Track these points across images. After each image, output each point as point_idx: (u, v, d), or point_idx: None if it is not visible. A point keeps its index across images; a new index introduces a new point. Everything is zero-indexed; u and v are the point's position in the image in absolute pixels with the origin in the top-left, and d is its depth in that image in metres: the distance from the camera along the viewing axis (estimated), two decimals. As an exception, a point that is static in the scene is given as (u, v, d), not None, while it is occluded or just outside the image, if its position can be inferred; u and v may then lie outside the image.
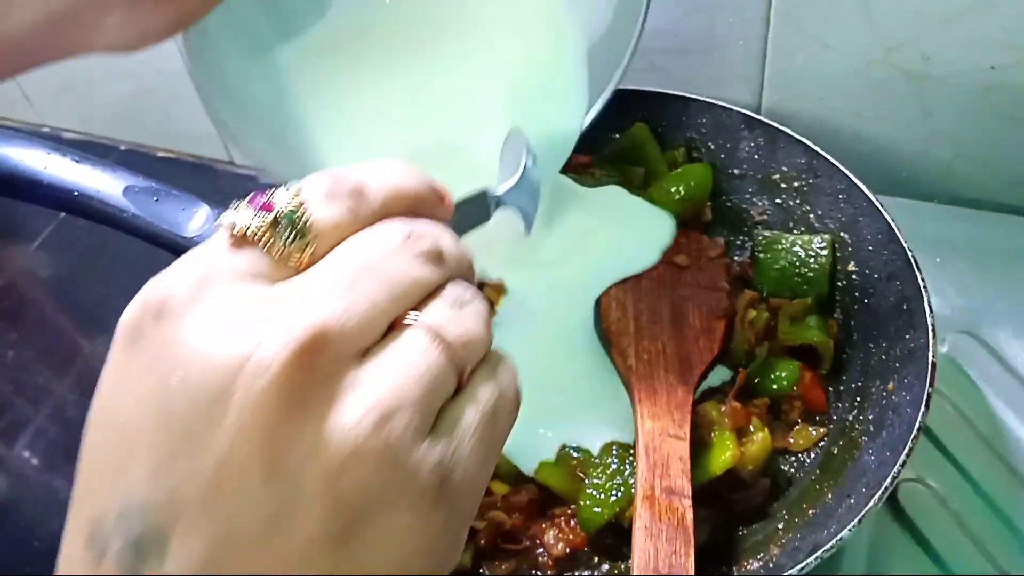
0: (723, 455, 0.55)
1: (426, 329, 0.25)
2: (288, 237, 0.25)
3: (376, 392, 0.23)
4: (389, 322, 0.25)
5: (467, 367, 0.26)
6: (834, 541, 0.47)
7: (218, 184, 1.13)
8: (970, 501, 0.59)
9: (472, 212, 0.36)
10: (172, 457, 0.22)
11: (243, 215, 0.26)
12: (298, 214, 0.25)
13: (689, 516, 0.48)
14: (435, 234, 0.27)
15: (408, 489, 0.23)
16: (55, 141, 0.66)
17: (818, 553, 0.46)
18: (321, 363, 0.23)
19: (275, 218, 0.25)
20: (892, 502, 0.59)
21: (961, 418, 0.62)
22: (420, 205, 0.28)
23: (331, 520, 0.22)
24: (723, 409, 0.57)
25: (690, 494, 0.49)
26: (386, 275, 0.25)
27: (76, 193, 0.60)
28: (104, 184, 0.61)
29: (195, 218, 0.62)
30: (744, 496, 0.56)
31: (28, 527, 0.72)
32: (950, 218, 0.75)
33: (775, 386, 0.59)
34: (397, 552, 0.23)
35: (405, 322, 0.25)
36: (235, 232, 0.26)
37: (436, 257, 0.27)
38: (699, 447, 0.55)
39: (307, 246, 0.25)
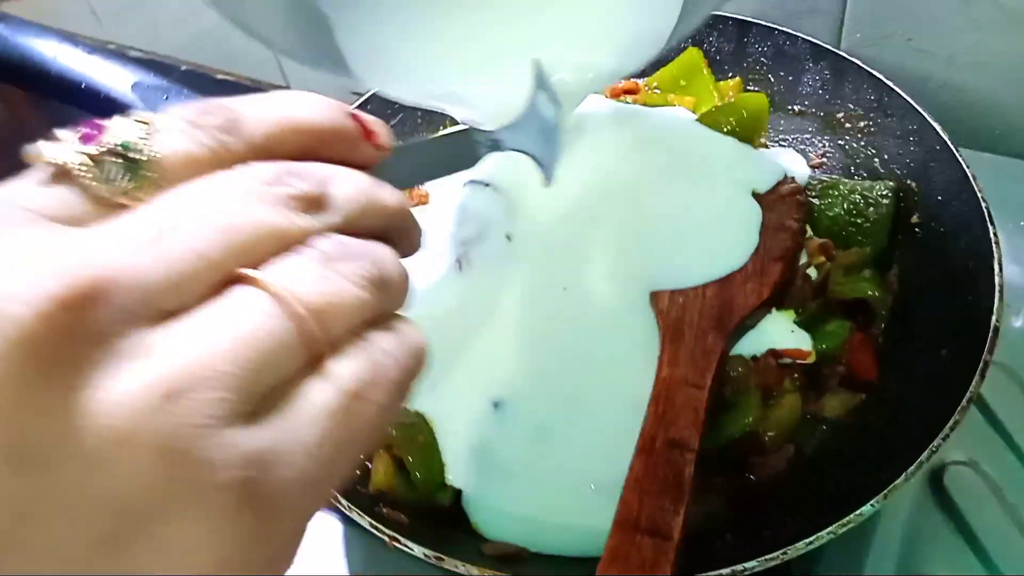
0: (744, 416, 0.49)
1: (269, 287, 0.20)
2: (117, 173, 0.20)
3: (170, 361, 0.18)
4: (221, 277, 0.20)
5: (330, 341, 0.21)
6: (852, 516, 0.40)
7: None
8: (1026, 490, 0.51)
9: (447, 154, 0.30)
10: None
11: (65, 145, 0.20)
12: (136, 146, 0.20)
13: (689, 471, 0.43)
14: (319, 175, 0.22)
15: (204, 488, 0.18)
16: (97, 48, 0.63)
17: (831, 527, 0.40)
18: (94, 321, 0.18)
19: (106, 150, 0.20)
20: (937, 486, 0.52)
21: None
22: (331, 143, 0.23)
23: (95, 522, 0.18)
24: (754, 365, 0.51)
25: (696, 447, 0.44)
26: (226, 220, 0.20)
27: (83, 85, 0.58)
28: (112, 78, 0.58)
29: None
30: (764, 462, 0.50)
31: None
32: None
33: (822, 345, 0.52)
34: (188, 563, 0.18)
35: (242, 276, 0.20)
36: (53, 165, 0.20)
37: (312, 202, 0.21)
38: (721, 404, 0.49)
39: (141, 185, 0.20)
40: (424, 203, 0.62)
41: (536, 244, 0.57)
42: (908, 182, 0.56)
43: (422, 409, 0.51)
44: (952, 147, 0.53)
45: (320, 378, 0.20)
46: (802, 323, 0.53)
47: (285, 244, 0.21)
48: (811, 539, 0.40)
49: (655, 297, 0.53)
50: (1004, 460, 0.52)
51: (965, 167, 0.52)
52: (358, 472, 0.50)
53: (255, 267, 0.20)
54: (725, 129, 0.59)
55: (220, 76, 1.14)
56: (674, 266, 0.54)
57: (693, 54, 0.63)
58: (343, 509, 0.44)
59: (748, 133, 0.60)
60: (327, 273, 0.21)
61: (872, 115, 0.59)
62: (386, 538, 0.43)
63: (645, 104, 0.63)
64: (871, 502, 0.41)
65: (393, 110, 0.65)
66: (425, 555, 0.42)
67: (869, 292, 0.53)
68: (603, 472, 0.46)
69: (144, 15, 1.16)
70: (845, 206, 0.57)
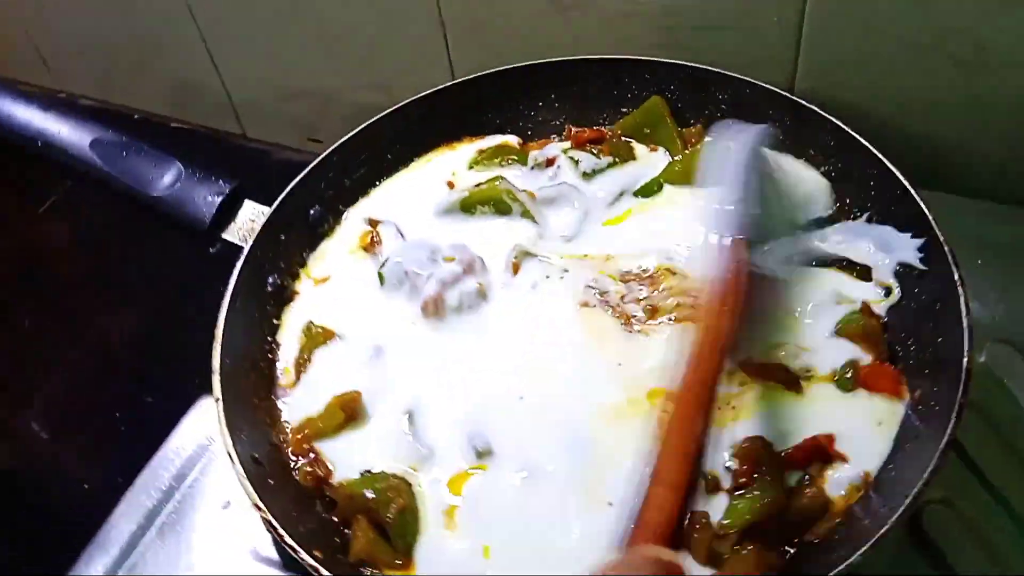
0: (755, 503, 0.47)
1: None
2: None
3: None
4: None
5: None
6: (843, 566, 0.40)
7: (230, 156, 1.10)
8: (1003, 527, 0.51)
9: None
10: None
11: None
12: None
13: None
14: None
15: None
16: (56, 101, 0.61)
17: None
18: None
19: None
20: (915, 526, 0.52)
21: (995, 434, 0.55)
22: None
23: None
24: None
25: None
26: None
27: (39, 143, 0.56)
28: (70, 135, 0.57)
29: (166, 176, 0.58)
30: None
31: (35, 494, 0.70)
32: (997, 217, 0.68)
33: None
34: None
35: None
36: None
37: None
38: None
39: None
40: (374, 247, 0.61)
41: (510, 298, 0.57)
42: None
43: (401, 468, 0.51)
44: (911, 190, 0.54)
45: None
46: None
47: None
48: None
49: None
50: (978, 496, 0.53)
51: (925, 210, 0.53)
52: (336, 540, 0.49)
53: None
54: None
55: (175, 124, 1.13)
56: None
57: (656, 103, 0.64)
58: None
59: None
60: None
61: (832, 159, 0.60)
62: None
63: (613, 153, 0.64)
64: (859, 552, 0.41)
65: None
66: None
67: (863, 324, 0.53)
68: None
69: (95, 63, 1.14)
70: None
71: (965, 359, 0.46)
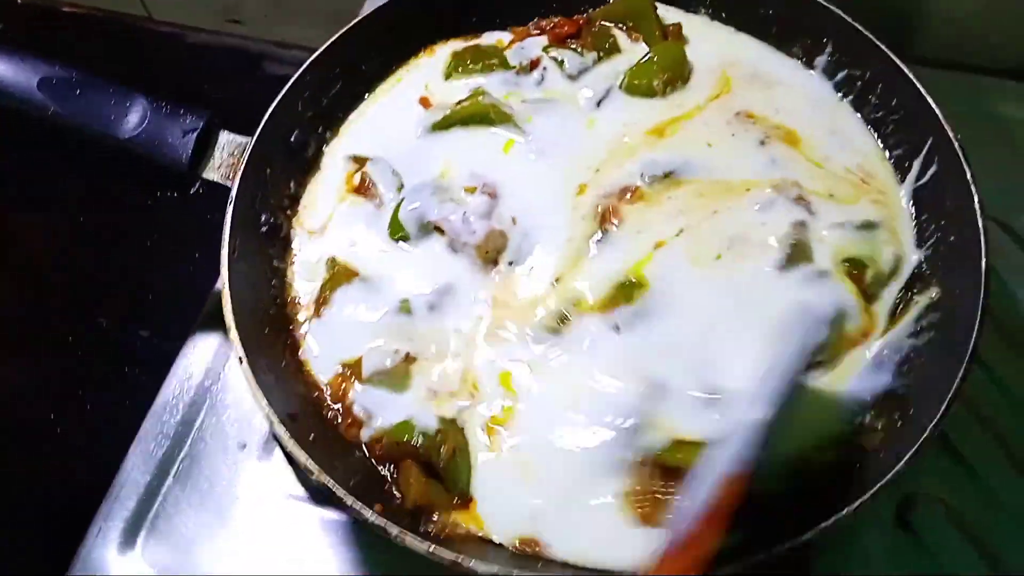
0: None
1: None
2: None
3: None
4: None
5: None
6: (891, 474, 0.43)
7: (136, 45, 1.00)
8: (993, 524, 0.53)
9: None
10: None
11: None
12: None
13: None
14: None
15: None
16: None
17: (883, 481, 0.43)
18: None
19: None
20: (903, 521, 0.54)
21: (986, 429, 0.56)
22: None
23: None
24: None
25: None
26: None
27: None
28: (13, 76, 0.49)
29: (131, 114, 0.52)
30: None
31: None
32: (976, 89, 0.67)
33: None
34: None
35: None
36: None
37: None
38: None
39: None
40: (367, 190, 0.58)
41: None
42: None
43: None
44: (921, 89, 0.53)
45: None
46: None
47: None
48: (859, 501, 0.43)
49: None
50: (968, 493, 0.54)
51: (931, 102, 0.53)
52: (386, 488, 0.49)
53: None
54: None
55: (67, 9, 1.01)
56: None
57: (642, -1, 0.61)
58: (396, 539, 0.43)
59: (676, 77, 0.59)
60: None
61: (835, 53, 0.58)
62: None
63: (596, 47, 0.61)
64: (904, 459, 0.43)
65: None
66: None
67: None
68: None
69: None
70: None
71: (983, 262, 0.48)
